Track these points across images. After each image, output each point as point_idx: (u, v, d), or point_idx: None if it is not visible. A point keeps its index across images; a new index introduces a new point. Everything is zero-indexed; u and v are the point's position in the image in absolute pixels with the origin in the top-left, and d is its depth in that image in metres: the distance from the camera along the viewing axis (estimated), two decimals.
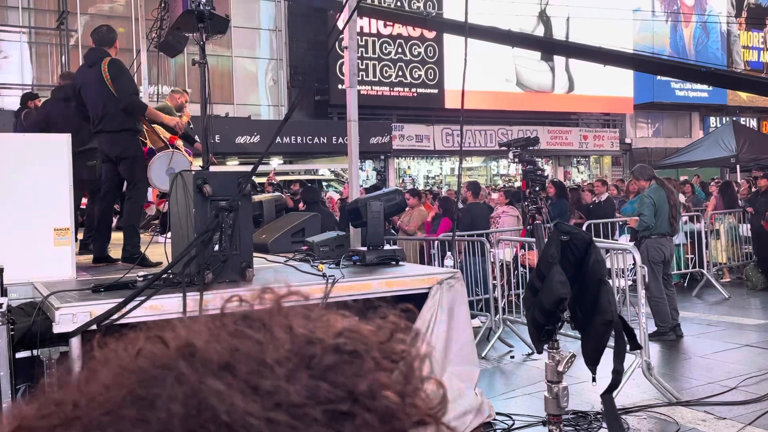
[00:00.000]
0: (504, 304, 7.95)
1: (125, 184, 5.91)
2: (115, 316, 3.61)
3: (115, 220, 7.63)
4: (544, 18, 24.89)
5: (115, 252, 5.72)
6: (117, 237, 6.02)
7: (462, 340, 4.58)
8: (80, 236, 6.72)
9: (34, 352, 3.87)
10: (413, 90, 22.85)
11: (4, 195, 4.69)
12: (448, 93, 22.62)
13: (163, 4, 9.12)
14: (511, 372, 6.82)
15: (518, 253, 8.86)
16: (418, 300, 4.40)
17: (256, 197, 7.86)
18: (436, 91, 22.93)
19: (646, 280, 7.04)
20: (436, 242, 8.80)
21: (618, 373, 4.07)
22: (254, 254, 4.61)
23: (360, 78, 19.71)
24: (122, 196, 6.17)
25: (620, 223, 10.72)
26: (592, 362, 4.05)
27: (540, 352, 4.31)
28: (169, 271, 4.08)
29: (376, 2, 18.46)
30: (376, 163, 23.02)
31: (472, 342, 4.76)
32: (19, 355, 3.86)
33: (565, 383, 4.17)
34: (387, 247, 5.36)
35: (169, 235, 5.25)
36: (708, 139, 18.69)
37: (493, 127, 23.30)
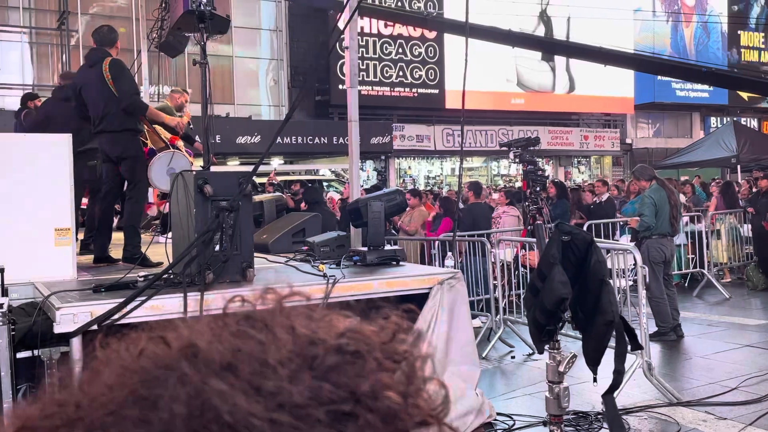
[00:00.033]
0: (505, 305, 7.94)
1: (126, 184, 5.92)
2: (115, 317, 3.61)
3: (115, 221, 7.63)
4: (544, 18, 24.88)
5: (116, 252, 5.73)
6: (118, 237, 6.02)
7: (463, 340, 4.58)
8: (81, 236, 6.72)
9: (35, 352, 3.88)
10: (414, 90, 22.84)
11: (4, 195, 4.69)
12: (448, 93, 22.62)
13: (163, 5, 9.12)
14: (511, 372, 6.82)
15: (519, 254, 8.86)
16: (418, 300, 4.39)
17: (257, 197, 7.85)
18: (436, 91, 22.93)
19: (647, 280, 7.04)
20: (437, 242, 8.80)
21: (619, 374, 4.07)
22: (255, 254, 4.61)
23: (361, 78, 19.65)
24: (123, 196, 6.17)
25: (621, 223, 10.71)
26: (593, 362, 4.05)
27: (541, 352, 4.31)
28: (170, 271, 4.08)
29: (377, 2, 18.44)
30: (377, 164, 23.02)
31: (472, 342, 4.76)
32: (19, 355, 3.86)
33: (566, 383, 4.17)
34: (387, 247, 5.35)
35: (169, 235, 5.25)
36: (709, 140, 18.69)
37: (493, 128, 23.29)
